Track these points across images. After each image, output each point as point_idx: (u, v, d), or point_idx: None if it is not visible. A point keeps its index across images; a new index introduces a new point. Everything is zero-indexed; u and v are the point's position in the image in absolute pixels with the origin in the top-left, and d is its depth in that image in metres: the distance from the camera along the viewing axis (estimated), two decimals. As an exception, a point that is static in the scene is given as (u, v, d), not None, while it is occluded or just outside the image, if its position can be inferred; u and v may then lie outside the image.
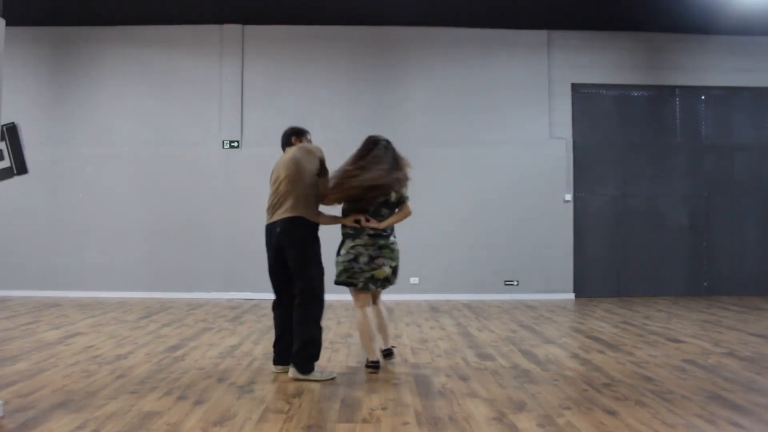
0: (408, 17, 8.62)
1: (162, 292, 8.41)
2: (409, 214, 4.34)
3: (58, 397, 3.44)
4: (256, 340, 5.30)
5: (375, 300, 4.42)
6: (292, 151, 4.16)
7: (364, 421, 3.08)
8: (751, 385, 3.83)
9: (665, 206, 8.96)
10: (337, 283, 4.20)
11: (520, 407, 3.31)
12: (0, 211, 8.44)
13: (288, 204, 3.92)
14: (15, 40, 7.81)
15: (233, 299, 8.24)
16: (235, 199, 8.46)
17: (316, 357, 3.95)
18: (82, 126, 8.69)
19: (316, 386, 3.76)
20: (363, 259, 4.15)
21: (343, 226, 4.24)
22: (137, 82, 8.73)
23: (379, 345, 4.38)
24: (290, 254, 3.91)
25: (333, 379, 3.93)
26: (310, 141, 4.40)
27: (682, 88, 9.03)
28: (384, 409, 3.28)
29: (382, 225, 4.20)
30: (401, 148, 4.49)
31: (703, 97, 9.07)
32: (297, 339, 3.88)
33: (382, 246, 4.21)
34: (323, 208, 4.21)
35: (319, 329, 3.97)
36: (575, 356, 4.71)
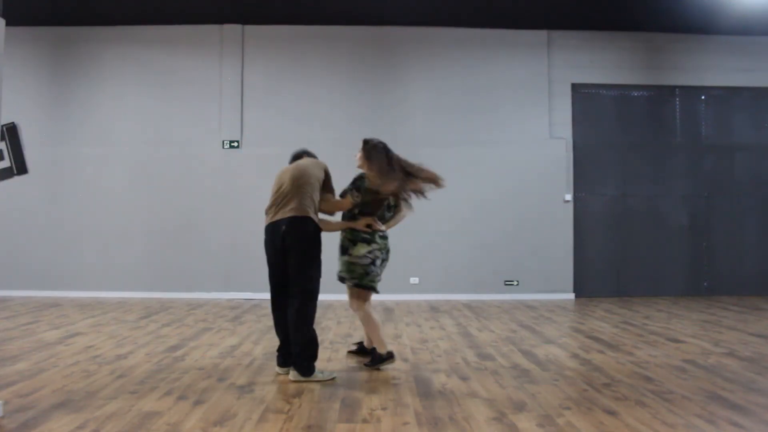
0: (408, 17, 8.63)
1: (162, 292, 8.41)
2: (404, 215, 4.47)
3: (58, 397, 3.44)
4: (256, 340, 5.30)
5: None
6: (298, 161, 4.22)
7: (364, 421, 3.08)
8: (751, 385, 3.83)
9: (665, 206, 8.97)
10: (357, 285, 4.22)
11: (520, 407, 3.31)
12: (0, 211, 8.45)
13: (293, 204, 3.92)
14: (15, 40, 7.82)
15: (233, 299, 8.24)
16: (235, 199, 8.46)
17: (316, 357, 3.95)
18: (82, 126, 8.69)
19: (316, 386, 3.76)
20: (378, 263, 4.25)
21: (354, 230, 4.26)
22: (137, 82, 8.74)
23: (362, 340, 4.50)
24: (294, 254, 3.90)
25: (333, 379, 3.93)
26: None
27: (682, 88, 9.03)
28: (384, 409, 3.28)
29: (388, 227, 4.35)
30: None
31: (703, 97, 9.07)
32: (296, 342, 3.87)
33: (389, 249, 4.35)
34: (327, 215, 4.30)
35: (314, 329, 3.96)
36: (575, 356, 4.70)
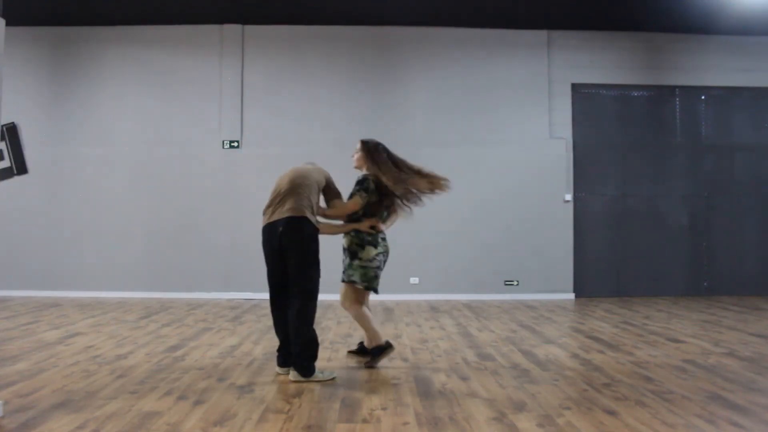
0: (408, 17, 8.63)
1: (162, 292, 8.41)
2: (398, 216, 4.53)
3: (58, 397, 3.44)
4: (256, 340, 5.30)
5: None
6: (299, 165, 4.26)
7: (364, 421, 3.08)
8: (751, 385, 3.83)
9: (665, 206, 8.97)
10: (367, 288, 4.30)
11: (520, 407, 3.31)
12: (0, 211, 8.45)
13: (290, 204, 3.91)
14: (15, 40, 7.82)
15: (233, 299, 8.24)
16: (235, 199, 8.46)
17: (316, 357, 3.95)
18: (82, 126, 8.69)
19: (316, 386, 3.76)
20: (383, 265, 4.34)
21: (358, 232, 4.26)
22: (137, 82, 8.74)
23: (363, 341, 4.52)
24: (292, 255, 3.89)
25: (333, 379, 3.93)
26: None
27: (682, 88, 9.03)
28: (384, 409, 3.28)
29: (387, 227, 4.41)
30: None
31: (703, 97, 9.07)
32: (296, 342, 3.86)
33: (389, 249, 4.42)
34: (336, 220, 4.33)
35: (314, 329, 3.95)
36: (575, 356, 4.70)
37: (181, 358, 4.54)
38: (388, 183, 4.19)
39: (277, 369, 4.09)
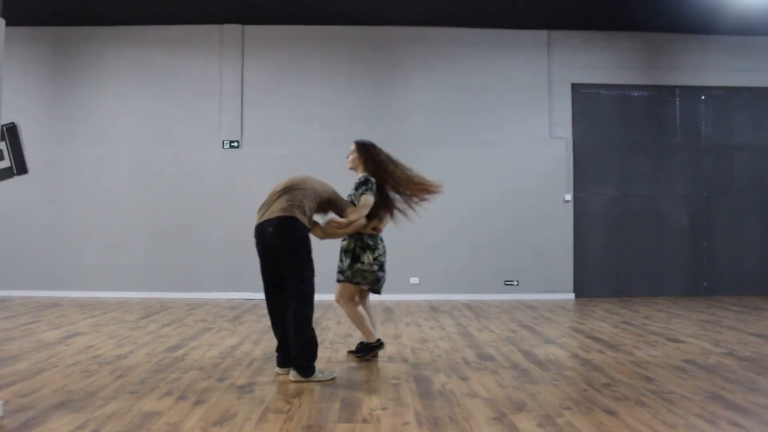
0: (408, 17, 8.63)
1: (162, 292, 8.41)
2: (393, 217, 4.59)
3: (58, 397, 3.44)
4: (256, 340, 5.30)
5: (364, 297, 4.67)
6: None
7: (364, 421, 3.07)
8: (751, 385, 3.83)
9: (665, 206, 8.97)
10: (371, 290, 4.43)
11: (520, 407, 3.31)
12: (0, 211, 8.44)
13: (281, 204, 3.89)
14: (15, 40, 7.82)
15: (233, 299, 8.24)
16: (235, 199, 8.46)
17: (316, 357, 3.95)
18: (82, 126, 8.69)
19: (316, 386, 3.76)
20: (384, 266, 4.42)
21: (360, 235, 4.28)
22: (137, 82, 8.74)
23: (363, 340, 4.59)
24: (282, 255, 3.88)
25: (333, 379, 3.93)
26: None
27: (682, 88, 9.03)
28: (384, 409, 3.28)
29: (384, 226, 4.47)
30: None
31: (703, 97, 9.07)
32: (295, 343, 3.85)
33: (386, 250, 4.50)
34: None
35: (313, 329, 3.94)
36: (575, 356, 4.70)
37: (181, 358, 4.54)
38: (396, 183, 4.24)
39: (277, 369, 4.09)
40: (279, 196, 3.95)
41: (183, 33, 8.75)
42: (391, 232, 4.96)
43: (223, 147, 8.62)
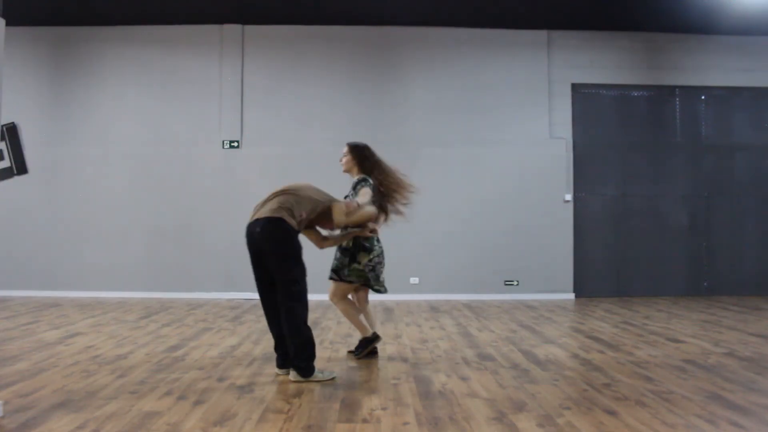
0: (408, 17, 8.63)
1: (162, 292, 8.41)
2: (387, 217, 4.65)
3: (58, 397, 3.43)
4: (256, 340, 5.30)
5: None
6: None
7: (364, 421, 3.07)
8: (751, 385, 3.83)
9: (665, 206, 8.96)
10: (376, 291, 4.51)
11: (520, 407, 3.31)
12: (0, 211, 8.44)
13: (270, 206, 3.91)
14: (15, 40, 7.82)
15: (233, 299, 8.24)
16: (235, 199, 8.46)
17: (314, 356, 3.94)
18: (82, 126, 8.69)
19: (316, 386, 3.76)
20: (383, 265, 4.51)
21: (356, 240, 4.36)
22: (137, 82, 8.74)
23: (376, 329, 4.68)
24: (270, 256, 3.89)
25: (333, 379, 3.93)
26: None
27: (682, 88, 9.03)
28: (384, 409, 3.28)
29: (379, 227, 4.51)
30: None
31: (703, 97, 9.07)
32: (292, 344, 3.85)
33: (383, 249, 4.57)
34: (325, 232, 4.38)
35: (309, 328, 3.93)
36: (575, 356, 4.70)
37: (181, 358, 4.54)
38: (391, 186, 4.27)
39: (277, 371, 4.09)
40: (271, 199, 3.98)
41: (183, 33, 8.75)
42: (391, 232, 4.96)
43: (223, 147, 8.62)
